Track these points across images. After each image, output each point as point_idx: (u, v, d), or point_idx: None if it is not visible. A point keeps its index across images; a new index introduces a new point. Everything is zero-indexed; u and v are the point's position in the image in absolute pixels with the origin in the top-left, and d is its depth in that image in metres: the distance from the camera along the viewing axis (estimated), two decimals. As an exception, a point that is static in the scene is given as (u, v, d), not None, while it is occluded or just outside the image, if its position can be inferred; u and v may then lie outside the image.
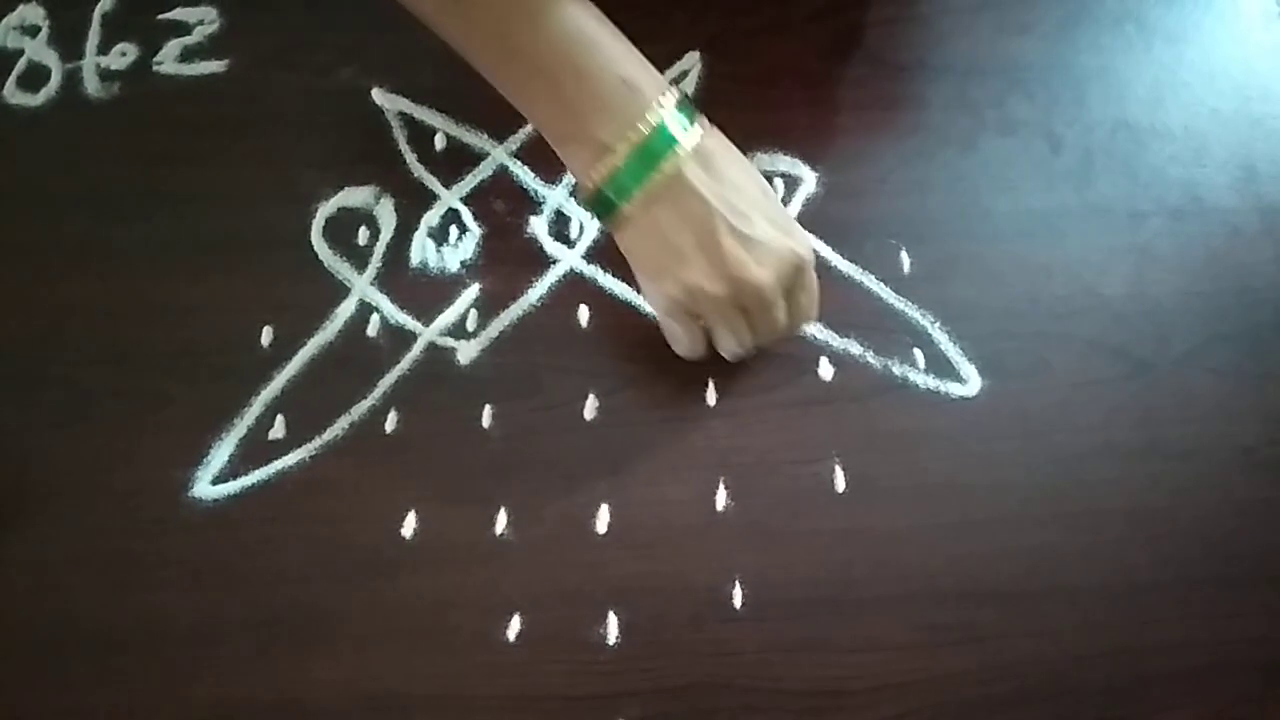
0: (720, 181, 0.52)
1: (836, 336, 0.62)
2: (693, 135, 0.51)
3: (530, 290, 0.63)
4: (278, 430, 0.59)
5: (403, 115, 0.69)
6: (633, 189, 0.51)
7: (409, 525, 0.56)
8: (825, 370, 0.61)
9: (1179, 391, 0.61)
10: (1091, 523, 0.58)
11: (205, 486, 0.57)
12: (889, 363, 0.62)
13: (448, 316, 0.62)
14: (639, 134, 0.50)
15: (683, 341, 0.58)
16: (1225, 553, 0.57)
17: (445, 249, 0.64)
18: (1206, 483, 0.59)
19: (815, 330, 0.62)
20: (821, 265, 0.64)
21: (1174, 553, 0.57)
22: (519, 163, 0.67)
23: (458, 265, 0.64)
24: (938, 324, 0.63)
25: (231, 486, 0.57)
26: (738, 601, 0.55)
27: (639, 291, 0.62)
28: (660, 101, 0.51)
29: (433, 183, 0.66)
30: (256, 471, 0.58)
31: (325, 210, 0.65)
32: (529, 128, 0.68)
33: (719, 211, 0.51)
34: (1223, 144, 0.70)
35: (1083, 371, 0.62)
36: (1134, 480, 0.59)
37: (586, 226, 0.65)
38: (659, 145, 0.51)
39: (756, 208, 0.53)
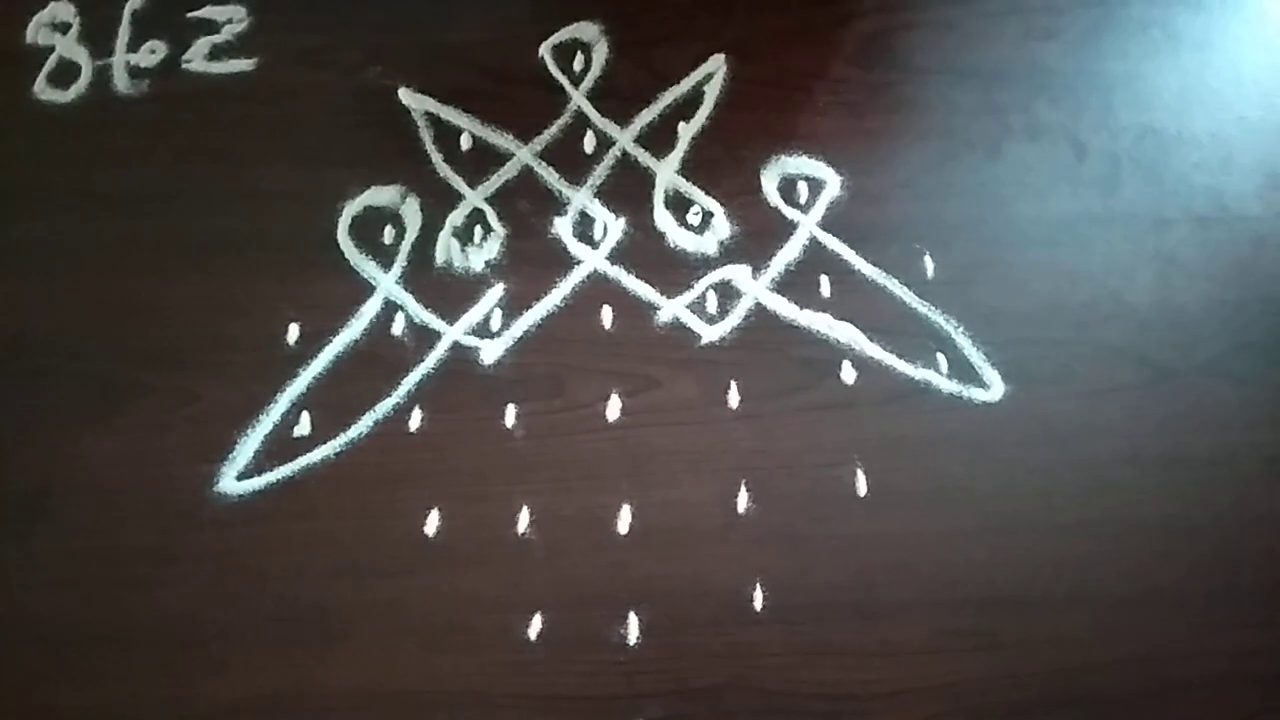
0: None
1: (859, 340, 0.62)
2: None
3: (554, 291, 0.63)
4: (303, 427, 0.59)
5: (429, 115, 0.69)
6: None
7: (432, 523, 0.57)
8: (848, 374, 0.61)
9: (1202, 400, 0.61)
10: (1112, 530, 0.58)
11: (230, 482, 0.58)
12: (912, 367, 0.62)
13: (472, 316, 0.63)
14: None
15: None
16: (1246, 563, 0.57)
17: (470, 249, 0.65)
18: (1228, 492, 0.59)
19: (838, 334, 0.62)
20: (845, 269, 0.64)
21: (1195, 562, 0.57)
22: (544, 164, 0.67)
23: (482, 265, 0.64)
24: (961, 329, 0.63)
25: (256, 482, 0.58)
26: (758, 604, 0.55)
27: (660, 293, 0.63)
28: None
29: (458, 183, 0.67)
30: (281, 468, 0.58)
31: (351, 209, 0.66)
32: (554, 129, 0.68)
33: None
34: (1249, 151, 0.69)
35: (1106, 378, 0.62)
36: (1156, 488, 0.59)
37: (610, 228, 0.65)
38: None
39: None
